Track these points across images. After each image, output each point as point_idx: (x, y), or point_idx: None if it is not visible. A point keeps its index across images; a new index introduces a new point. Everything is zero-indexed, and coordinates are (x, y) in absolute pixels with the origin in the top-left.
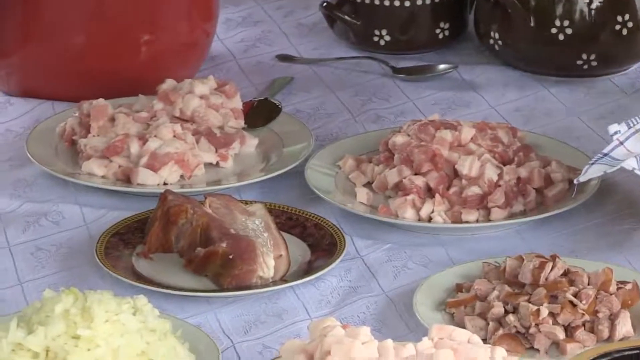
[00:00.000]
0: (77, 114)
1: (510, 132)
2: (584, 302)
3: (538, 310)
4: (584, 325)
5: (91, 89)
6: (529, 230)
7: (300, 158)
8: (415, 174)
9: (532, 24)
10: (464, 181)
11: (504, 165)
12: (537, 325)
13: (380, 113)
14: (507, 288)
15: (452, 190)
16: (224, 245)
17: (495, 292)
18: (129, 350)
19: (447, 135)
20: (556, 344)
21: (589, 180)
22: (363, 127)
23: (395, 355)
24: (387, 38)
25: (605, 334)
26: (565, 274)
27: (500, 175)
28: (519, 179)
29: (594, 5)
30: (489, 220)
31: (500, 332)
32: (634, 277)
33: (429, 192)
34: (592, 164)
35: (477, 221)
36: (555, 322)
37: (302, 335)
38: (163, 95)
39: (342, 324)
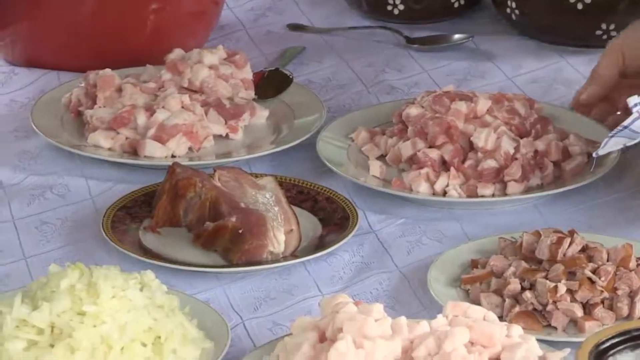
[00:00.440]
0: (83, 85)
1: (528, 103)
2: (602, 278)
3: (556, 287)
4: (602, 302)
5: (98, 58)
6: (547, 204)
7: (311, 130)
8: (430, 147)
9: None
10: (479, 154)
11: (521, 137)
12: (554, 302)
13: (393, 84)
14: (523, 264)
15: (468, 163)
16: (233, 219)
17: (512, 269)
18: (135, 326)
19: (463, 107)
20: (574, 322)
21: (608, 154)
22: (376, 98)
23: (409, 332)
24: (401, 7)
25: (625, 311)
26: (584, 249)
27: (516, 148)
28: (536, 152)
29: None
30: (505, 195)
31: (517, 309)
32: None
33: (444, 165)
34: (612, 136)
35: (493, 195)
36: (573, 299)
37: (313, 312)
38: (171, 65)
39: (354, 301)
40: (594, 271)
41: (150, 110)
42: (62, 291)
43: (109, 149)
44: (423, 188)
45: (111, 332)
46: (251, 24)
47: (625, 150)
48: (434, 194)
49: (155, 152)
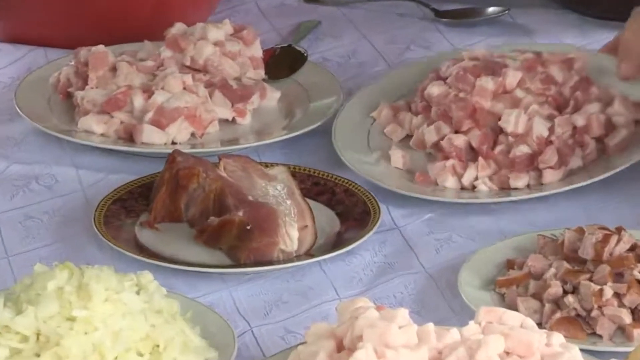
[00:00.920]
0: (73, 63)
1: (566, 65)
2: None
3: (601, 291)
4: None
5: (89, 34)
6: (590, 193)
7: (328, 114)
8: (456, 132)
9: None
10: (510, 138)
11: (558, 110)
12: (599, 307)
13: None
14: (565, 265)
15: (498, 149)
16: (240, 213)
17: (552, 270)
18: (131, 333)
19: (489, 83)
20: (621, 329)
21: None
22: None
23: (437, 341)
24: None
25: None
26: (633, 248)
27: (551, 129)
28: (574, 129)
29: None
30: (541, 184)
31: (558, 315)
32: None
33: (472, 152)
34: None
35: (528, 187)
36: (621, 304)
37: (330, 317)
38: (172, 41)
39: (375, 305)
40: None
41: (148, 91)
42: (49, 294)
43: (102, 135)
44: (450, 182)
45: (104, 340)
46: None
47: None
48: (462, 188)
49: (153, 138)
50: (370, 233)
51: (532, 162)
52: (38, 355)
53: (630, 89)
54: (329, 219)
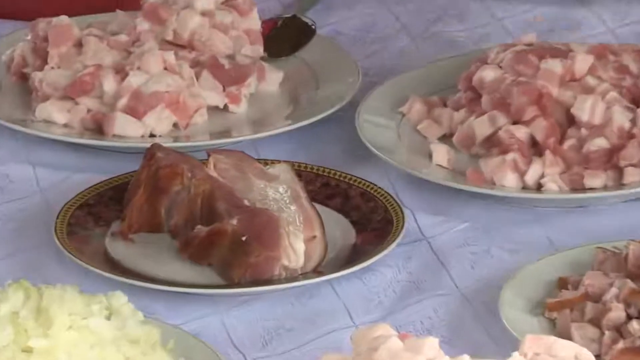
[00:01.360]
0: (29, 38)
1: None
2: None
3: None
4: None
5: (50, 2)
6: None
7: (341, 101)
8: (515, 123)
9: None
10: (583, 131)
11: (636, 104)
12: None
13: (453, 37)
14: (630, 284)
15: (568, 144)
16: (234, 222)
17: (614, 290)
18: None
19: (557, 66)
20: None
21: None
22: (429, 57)
23: None
24: None
25: None
26: None
27: (633, 121)
28: None
29: None
30: (621, 186)
31: (620, 344)
32: None
33: (535, 147)
34: None
35: (605, 187)
36: None
37: (343, 348)
38: (150, 10)
39: (399, 334)
40: None
41: (121, 72)
42: (1, 319)
43: (65, 125)
44: (509, 180)
45: None
46: None
47: None
48: (524, 188)
49: (127, 130)
50: (393, 245)
51: (610, 159)
52: None
53: None
54: (342, 228)
